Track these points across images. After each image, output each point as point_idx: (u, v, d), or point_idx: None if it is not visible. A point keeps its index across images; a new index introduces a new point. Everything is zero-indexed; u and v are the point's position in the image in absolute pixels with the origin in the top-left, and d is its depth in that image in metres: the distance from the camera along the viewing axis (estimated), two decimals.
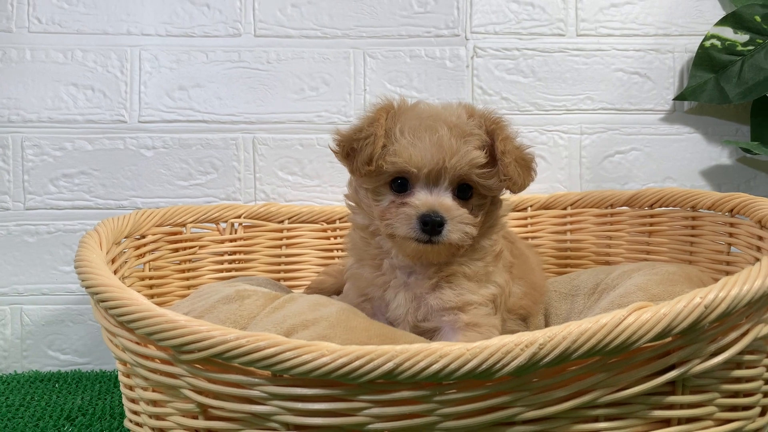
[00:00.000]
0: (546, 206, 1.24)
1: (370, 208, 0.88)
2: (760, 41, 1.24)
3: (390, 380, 0.60)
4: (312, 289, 1.09)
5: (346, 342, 0.64)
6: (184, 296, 1.08)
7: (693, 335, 0.64)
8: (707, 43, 1.26)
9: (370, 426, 0.62)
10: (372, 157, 0.83)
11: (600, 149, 1.30)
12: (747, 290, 0.64)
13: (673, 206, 1.09)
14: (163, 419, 0.70)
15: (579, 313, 0.96)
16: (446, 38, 1.28)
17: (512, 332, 0.90)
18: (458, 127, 0.83)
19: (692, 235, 1.06)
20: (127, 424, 0.80)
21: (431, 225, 0.80)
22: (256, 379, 0.63)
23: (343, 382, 0.61)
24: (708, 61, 1.26)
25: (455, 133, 0.82)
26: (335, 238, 1.22)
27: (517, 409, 0.62)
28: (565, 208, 1.22)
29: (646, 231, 1.13)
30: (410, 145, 0.82)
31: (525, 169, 0.86)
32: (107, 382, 1.12)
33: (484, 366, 0.59)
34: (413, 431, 0.62)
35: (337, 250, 1.22)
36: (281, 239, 1.19)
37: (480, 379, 0.61)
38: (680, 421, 0.67)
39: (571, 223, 1.22)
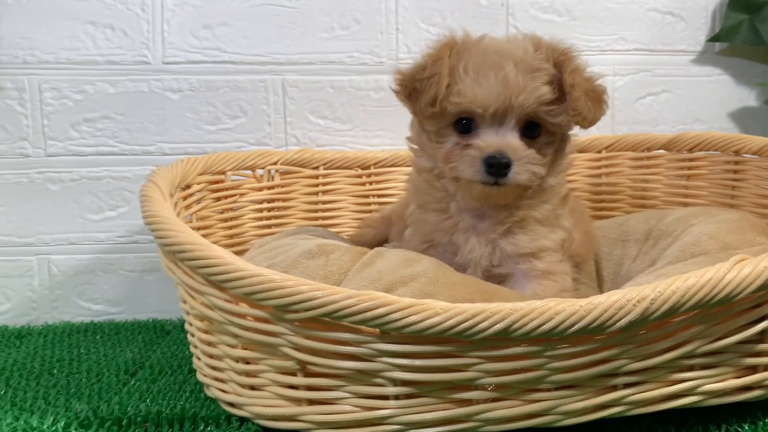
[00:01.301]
0: (581, 149, 1.23)
1: (434, 150, 0.85)
2: None
3: (504, 337, 0.60)
4: (354, 242, 1.08)
5: (449, 298, 0.64)
6: (228, 246, 1.06)
7: None
8: None
9: (480, 381, 0.63)
10: (436, 98, 0.80)
11: (632, 91, 1.30)
12: None
13: (714, 150, 1.10)
14: (256, 376, 0.70)
15: (633, 258, 0.97)
16: None
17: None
18: (525, 62, 0.80)
19: (735, 180, 1.07)
20: (202, 378, 0.79)
21: (497, 167, 0.78)
22: (364, 337, 0.63)
23: (455, 339, 0.61)
24: (743, 1, 1.25)
25: (522, 68, 0.79)
26: (370, 184, 1.20)
27: (622, 361, 0.64)
28: (599, 152, 1.22)
29: (684, 175, 1.14)
30: (475, 83, 0.79)
31: (596, 102, 0.83)
32: (147, 332, 1.11)
33: (597, 322, 0.60)
34: (522, 384, 0.64)
35: (373, 196, 1.20)
36: (317, 185, 1.17)
37: (592, 334, 0.61)
38: (766, 367, 0.69)
39: (606, 166, 1.22)
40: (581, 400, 0.64)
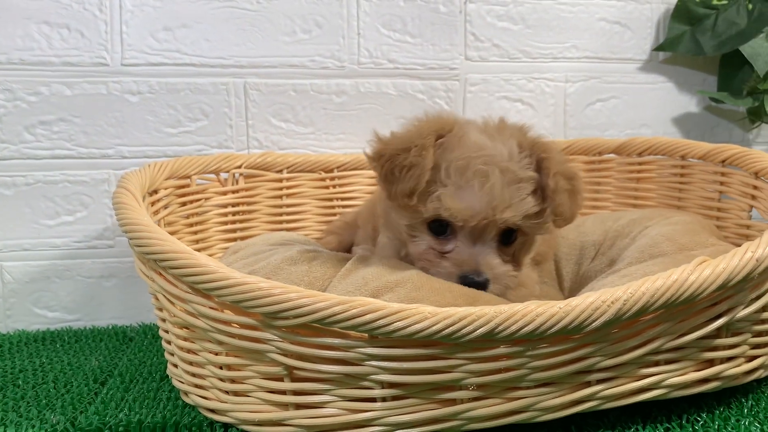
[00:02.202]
0: None
1: (402, 235, 0.83)
2: None
3: (488, 339, 0.63)
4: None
5: (435, 303, 0.66)
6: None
7: (743, 285, 0.71)
8: None
9: (465, 381, 0.65)
10: (414, 191, 0.76)
11: (583, 97, 1.35)
12: None
13: (662, 155, 1.17)
14: (240, 382, 0.70)
15: (591, 258, 1.02)
16: None
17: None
18: (510, 172, 0.76)
19: (681, 183, 1.14)
20: (179, 385, 0.79)
21: (474, 285, 0.77)
22: (352, 342, 0.64)
23: (442, 342, 0.63)
24: (685, 13, 1.33)
25: (508, 179, 0.76)
26: (334, 187, 1.22)
27: (597, 358, 0.68)
28: None
29: (634, 178, 1.21)
30: (457, 193, 0.75)
31: (574, 199, 0.80)
32: (109, 339, 1.09)
33: (575, 322, 0.63)
34: (504, 383, 0.66)
35: (337, 199, 1.22)
36: (281, 189, 1.18)
37: (570, 334, 0.65)
38: (722, 360, 0.74)
39: None
40: (558, 397, 0.68)
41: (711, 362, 0.74)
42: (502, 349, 0.65)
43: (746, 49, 1.28)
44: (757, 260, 0.69)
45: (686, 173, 1.13)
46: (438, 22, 1.28)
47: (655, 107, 1.38)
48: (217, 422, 0.73)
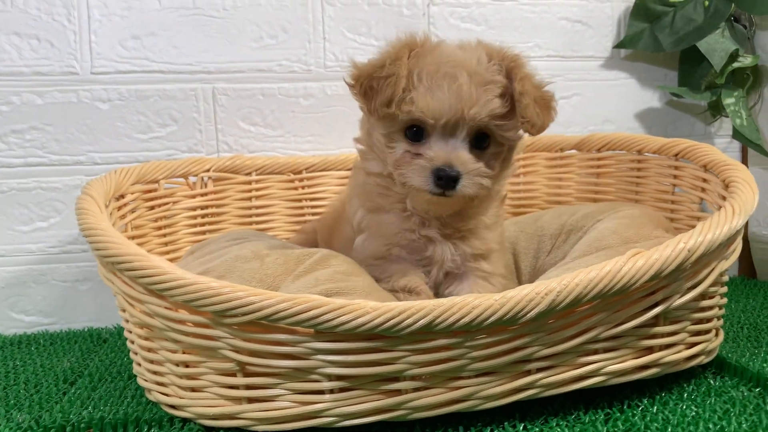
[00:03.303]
0: None
1: (383, 153, 0.86)
2: None
3: (427, 331, 0.66)
4: None
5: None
6: (162, 254, 1.09)
7: (676, 275, 0.74)
8: None
9: (408, 372, 0.68)
10: (392, 99, 0.80)
11: None
12: (719, 234, 0.74)
13: (620, 150, 1.20)
14: (196, 378, 0.73)
15: (548, 252, 1.05)
16: None
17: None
18: (478, 74, 0.80)
19: (638, 177, 1.17)
20: (143, 383, 0.82)
21: (446, 179, 0.79)
22: (299, 337, 0.67)
23: (384, 335, 0.66)
24: (644, 11, 1.36)
25: (475, 80, 0.80)
26: (303, 188, 1.25)
27: (535, 348, 0.71)
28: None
29: (594, 173, 1.24)
30: (428, 93, 0.79)
31: (544, 108, 0.84)
32: (84, 342, 1.12)
33: (510, 314, 0.67)
34: (445, 373, 0.69)
35: (306, 200, 1.24)
36: (250, 191, 1.21)
37: (506, 325, 0.68)
38: (661, 348, 0.78)
39: (524, 166, 1.31)
40: (499, 385, 0.71)
41: (650, 349, 0.77)
42: (441, 341, 0.68)
43: (703, 45, 1.31)
44: (689, 251, 0.72)
45: (643, 167, 1.16)
46: (402, 24, 1.31)
47: (617, 103, 1.41)
48: (177, 417, 0.76)
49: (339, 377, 0.69)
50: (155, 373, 0.79)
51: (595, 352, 0.74)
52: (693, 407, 0.75)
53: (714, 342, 0.85)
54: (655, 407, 0.75)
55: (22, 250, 1.20)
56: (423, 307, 0.65)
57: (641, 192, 1.16)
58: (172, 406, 0.77)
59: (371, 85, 0.81)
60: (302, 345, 0.67)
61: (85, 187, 0.90)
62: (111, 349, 1.07)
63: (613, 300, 0.72)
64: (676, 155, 1.08)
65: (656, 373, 0.78)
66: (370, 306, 0.65)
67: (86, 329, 1.20)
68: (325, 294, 0.75)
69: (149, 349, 0.78)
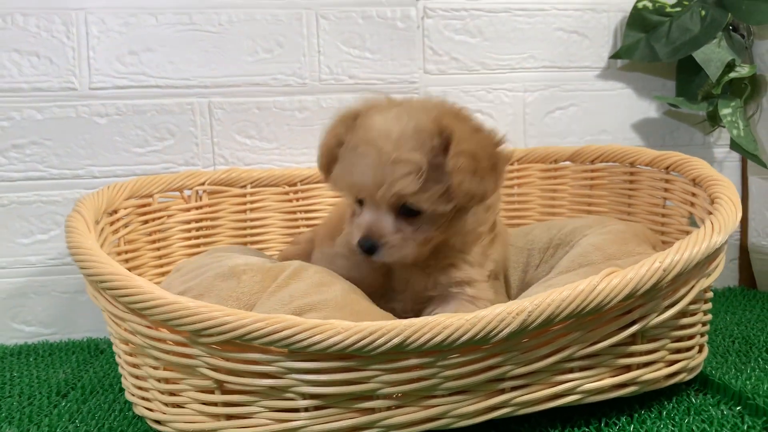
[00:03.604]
0: None
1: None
2: (687, 3, 1.33)
3: (399, 351, 0.67)
4: (283, 259, 1.13)
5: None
6: (157, 267, 1.10)
7: (652, 294, 0.74)
8: (640, 5, 1.34)
9: (381, 391, 0.69)
10: (323, 169, 0.88)
11: (542, 106, 1.38)
12: (696, 252, 0.74)
13: (613, 162, 1.20)
14: (177, 395, 0.75)
15: (536, 266, 1.05)
16: None
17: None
18: (386, 153, 0.79)
19: (631, 189, 1.16)
20: (130, 398, 0.84)
21: (365, 247, 0.83)
22: (273, 357, 0.68)
23: (356, 355, 0.67)
24: (640, 21, 1.35)
25: (385, 159, 0.79)
26: (297, 200, 1.26)
27: (508, 367, 0.71)
28: (512, 164, 1.31)
29: (587, 185, 1.24)
30: (344, 170, 0.83)
31: (489, 174, 0.81)
32: (81, 352, 1.14)
33: (481, 334, 0.67)
34: (418, 392, 0.70)
35: (301, 212, 1.26)
36: (245, 204, 1.22)
37: (478, 344, 0.68)
38: (639, 366, 0.78)
39: (518, 177, 1.31)
40: (473, 404, 0.71)
41: (628, 368, 0.77)
42: (413, 360, 0.68)
43: (699, 55, 1.30)
44: (664, 270, 0.72)
45: (635, 179, 1.16)
46: (396, 37, 1.32)
47: (614, 114, 1.41)
48: None
49: (313, 396, 0.69)
50: (140, 388, 0.80)
51: (571, 370, 0.74)
52: (670, 426, 0.75)
53: (697, 359, 0.85)
54: (632, 426, 0.76)
55: (23, 262, 1.23)
56: (394, 327, 0.66)
57: (633, 204, 1.16)
58: (157, 421, 0.78)
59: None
60: (276, 364, 0.68)
61: (76, 204, 0.92)
62: (107, 360, 1.09)
63: (588, 319, 0.72)
64: (667, 168, 1.08)
65: (635, 391, 0.78)
66: (342, 326, 0.66)
67: (85, 339, 1.23)
68: (299, 311, 0.76)
69: (134, 365, 0.80)
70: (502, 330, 0.67)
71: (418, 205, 0.81)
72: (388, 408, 0.70)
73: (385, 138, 0.80)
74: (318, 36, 1.30)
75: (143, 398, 0.80)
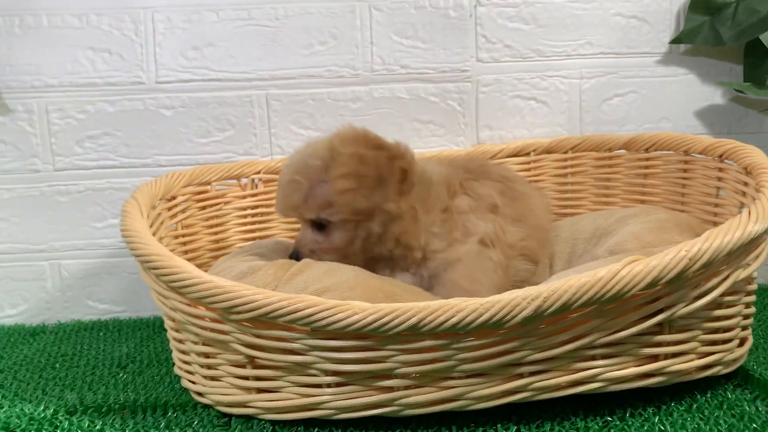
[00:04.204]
0: (548, 150, 1.30)
1: None
2: None
3: (414, 332, 0.69)
4: None
5: (365, 300, 0.73)
6: (213, 250, 1.17)
7: (678, 283, 0.72)
8: None
9: (398, 371, 0.72)
10: None
11: (599, 93, 1.36)
12: (727, 242, 0.72)
13: (667, 150, 1.16)
14: (215, 368, 0.80)
15: (579, 256, 1.05)
16: None
17: (520, 272, 1.01)
18: (293, 181, 0.96)
19: (684, 178, 1.13)
20: (177, 371, 0.90)
21: (293, 257, 0.98)
22: (297, 334, 0.72)
23: (373, 335, 0.70)
24: (704, 3, 1.30)
25: (290, 187, 0.97)
26: None
27: (525, 352, 0.72)
28: (566, 152, 1.29)
29: (641, 174, 1.21)
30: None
31: (377, 188, 0.92)
32: (146, 329, 1.22)
33: (495, 318, 0.68)
34: (436, 374, 0.72)
35: None
36: None
37: (492, 328, 0.70)
38: (667, 356, 0.76)
39: (572, 166, 1.29)
40: (490, 387, 0.73)
41: (655, 357, 0.76)
42: (429, 342, 0.70)
43: (767, 38, 1.24)
44: (690, 259, 0.71)
45: (689, 168, 1.13)
46: (448, 26, 1.33)
47: (675, 100, 1.36)
48: (200, 404, 0.83)
49: (335, 372, 0.73)
50: (184, 362, 0.86)
51: (593, 358, 0.74)
52: (698, 419, 0.74)
53: (736, 352, 0.82)
54: (658, 417, 0.75)
55: (97, 245, 1.32)
56: (410, 309, 0.68)
57: (687, 194, 1.13)
58: (198, 393, 0.84)
59: None
60: (300, 341, 0.72)
61: (135, 191, 1.00)
62: (167, 336, 1.16)
63: (610, 307, 0.72)
64: (720, 156, 1.04)
65: (662, 381, 0.76)
66: (359, 307, 0.69)
67: (151, 317, 1.31)
68: (316, 294, 0.79)
69: (179, 340, 0.86)
70: (517, 315, 0.68)
71: (323, 219, 0.95)
72: (407, 387, 0.73)
73: (293, 168, 0.98)
74: (371, 27, 1.32)
75: (187, 371, 0.86)
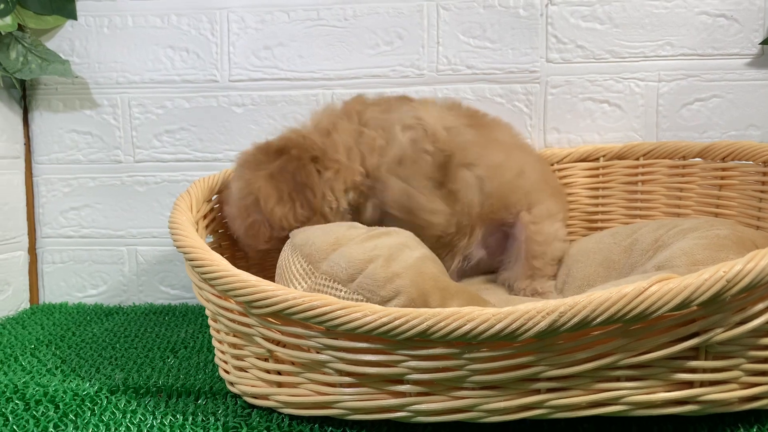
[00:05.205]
0: (619, 156, 1.24)
1: None
2: None
3: (424, 338, 0.68)
4: None
5: (413, 283, 0.75)
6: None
7: (716, 306, 0.67)
8: None
9: (409, 376, 0.71)
10: None
11: (678, 97, 1.28)
12: None
13: (746, 160, 1.08)
14: (242, 359, 0.83)
15: (632, 267, 0.99)
16: None
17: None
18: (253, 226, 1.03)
19: (762, 191, 1.04)
20: (216, 360, 0.93)
21: None
22: (313, 332, 0.73)
23: (384, 338, 0.70)
24: None
25: (252, 230, 1.04)
26: None
27: (541, 367, 0.69)
28: (637, 159, 1.23)
29: (716, 185, 1.13)
30: None
31: (296, 196, 0.99)
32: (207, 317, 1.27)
33: (507, 330, 0.66)
34: (447, 382, 0.71)
35: None
36: None
37: (505, 341, 0.67)
38: (703, 383, 0.71)
39: (643, 174, 1.22)
40: (504, 401, 0.70)
41: (689, 384, 0.71)
42: (440, 350, 0.69)
43: None
44: (727, 281, 0.65)
45: None
46: (518, 26, 1.29)
47: (765, 107, 1.25)
48: (230, 393, 0.86)
49: (348, 374, 0.73)
50: (221, 351, 0.89)
51: (617, 379, 0.70)
52: None
53: None
54: None
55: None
56: (419, 315, 0.67)
57: (764, 209, 1.04)
58: (230, 383, 0.87)
59: None
60: (315, 340, 0.73)
61: (191, 185, 1.04)
62: None
63: (636, 327, 0.68)
64: None
65: (697, 410, 0.71)
66: (370, 309, 0.69)
67: None
68: (371, 258, 0.81)
69: (216, 330, 0.89)
70: (531, 328, 0.66)
71: None
72: (419, 393, 0.72)
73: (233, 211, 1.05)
74: (438, 27, 1.31)
75: (223, 360, 0.89)
